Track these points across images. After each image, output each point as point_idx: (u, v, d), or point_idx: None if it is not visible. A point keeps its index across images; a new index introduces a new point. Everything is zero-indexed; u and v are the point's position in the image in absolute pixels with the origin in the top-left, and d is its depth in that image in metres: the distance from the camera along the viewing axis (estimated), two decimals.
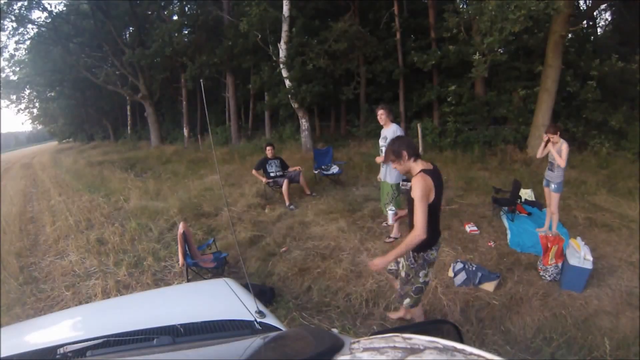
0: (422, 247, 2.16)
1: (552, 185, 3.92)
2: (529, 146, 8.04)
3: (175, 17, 15.66)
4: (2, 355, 1.17)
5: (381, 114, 3.99)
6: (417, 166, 2.13)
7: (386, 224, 4.50)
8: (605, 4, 10.67)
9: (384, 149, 4.00)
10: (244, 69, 13.74)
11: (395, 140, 2.24)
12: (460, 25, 7.80)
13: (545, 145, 3.92)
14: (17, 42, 17.45)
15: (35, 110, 31.00)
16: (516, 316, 2.80)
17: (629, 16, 9.48)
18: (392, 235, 4.22)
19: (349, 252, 3.96)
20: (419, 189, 2.01)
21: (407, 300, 2.33)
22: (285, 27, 9.55)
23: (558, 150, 3.81)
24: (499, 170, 7.23)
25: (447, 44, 8.94)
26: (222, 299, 1.68)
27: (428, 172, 2.08)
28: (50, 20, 16.04)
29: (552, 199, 3.96)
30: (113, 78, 17.62)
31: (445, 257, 3.69)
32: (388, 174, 3.99)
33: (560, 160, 3.76)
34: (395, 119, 4.34)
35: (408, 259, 2.25)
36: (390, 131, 3.96)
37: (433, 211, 2.10)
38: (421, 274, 2.25)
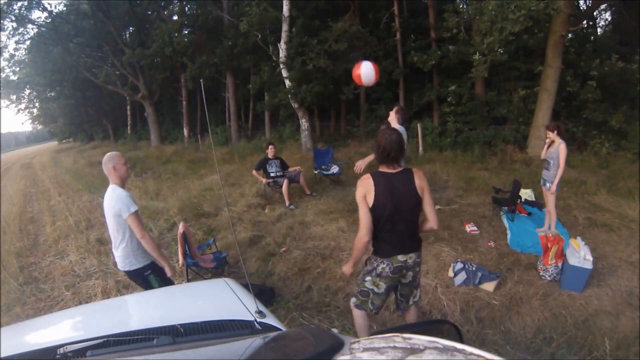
0: (373, 251, 2.10)
1: (548, 184, 3.91)
2: (529, 146, 8.05)
3: (175, 17, 15.66)
4: (2, 355, 1.17)
5: (396, 112, 3.94)
6: (379, 168, 2.05)
7: None
8: (605, 4, 10.67)
9: None
10: (244, 69, 13.74)
11: (384, 133, 2.02)
12: (460, 25, 7.80)
13: (549, 147, 3.92)
14: (17, 42, 17.52)
15: (35, 110, 31.03)
16: (516, 316, 2.80)
17: (629, 16, 9.48)
18: None
19: (349, 252, 3.95)
20: (357, 190, 2.01)
21: (353, 299, 2.25)
22: (285, 27, 9.55)
23: (556, 150, 3.78)
24: (499, 170, 7.23)
25: (447, 44, 8.94)
26: (222, 299, 1.68)
27: (377, 175, 1.99)
28: (50, 20, 16.06)
29: (548, 197, 3.96)
30: (113, 78, 17.63)
31: (445, 257, 3.70)
32: None
33: (561, 161, 3.73)
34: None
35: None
36: None
37: (378, 217, 1.98)
38: (367, 279, 2.12)
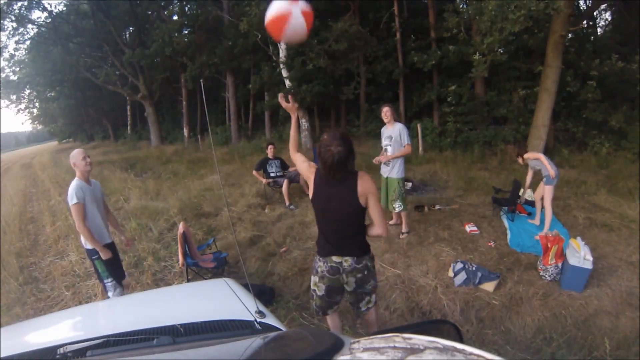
0: (316, 250, 2.06)
1: (544, 179, 4.08)
2: (529, 146, 8.03)
3: (175, 17, 15.66)
4: (2, 355, 1.17)
5: (386, 112, 3.99)
6: None
7: (393, 223, 4.47)
8: (605, 4, 10.67)
9: (389, 148, 4.01)
10: (244, 69, 13.75)
11: (328, 150, 1.77)
12: (460, 25, 7.80)
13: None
14: (17, 42, 17.57)
15: (35, 110, 31.06)
16: (516, 316, 2.80)
17: (629, 16, 9.47)
18: (404, 230, 4.24)
19: None
20: (305, 166, 2.03)
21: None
22: None
23: (532, 167, 4.22)
24: (499, 170, 7.23)
25: (447, 44, 8.94)
26: (222, 299, 1.68)
27: (319, 177, 1.92)
28: (50, 20, 16.09)
29: (544, 192, 4.09)
30: (113, 78, 17.64)
31: (445, 257, 3.70)
32: (394, 170, 4.01)
33: (547, 169, 4.01)
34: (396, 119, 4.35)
35: None
36: (395, 130, 3.96)
37: (317, 216, 1.98)
38: (312, 279, 2.09)
